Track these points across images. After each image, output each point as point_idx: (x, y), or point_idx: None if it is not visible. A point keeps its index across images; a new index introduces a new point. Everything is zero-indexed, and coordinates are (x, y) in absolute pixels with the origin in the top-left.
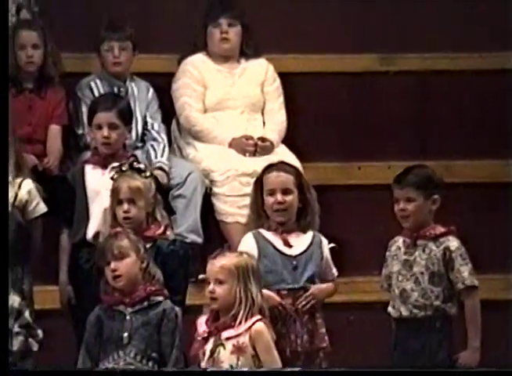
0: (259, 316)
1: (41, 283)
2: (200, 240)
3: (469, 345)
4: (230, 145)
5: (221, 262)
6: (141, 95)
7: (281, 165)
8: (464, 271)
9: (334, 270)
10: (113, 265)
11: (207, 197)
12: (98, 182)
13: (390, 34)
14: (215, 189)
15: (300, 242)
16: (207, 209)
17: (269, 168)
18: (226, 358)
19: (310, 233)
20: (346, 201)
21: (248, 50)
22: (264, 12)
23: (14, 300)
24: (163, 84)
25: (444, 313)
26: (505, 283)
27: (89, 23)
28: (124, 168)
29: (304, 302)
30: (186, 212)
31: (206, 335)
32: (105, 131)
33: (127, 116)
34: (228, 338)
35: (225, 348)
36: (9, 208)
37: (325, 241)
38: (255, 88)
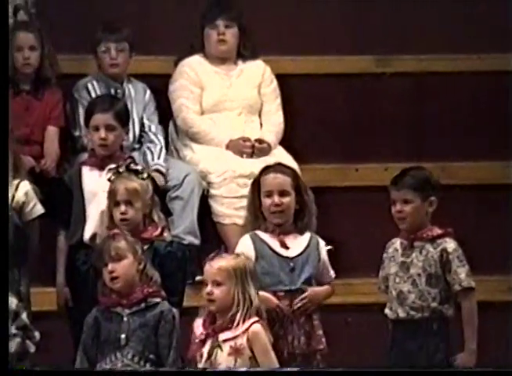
0: (256, 318)
1: (38, 285)
2: (197, 241)
3: (466, 347)
4: (227, 147)
5: (218, 264)
6: (138, 97)
7: (278, 167)
8: (461, 273)
9: (332, 272)
10: (110, 266)
11: (204, 198)
12: (95, 184)
13: (386, 35)
14: (212, 191)
15: (297, 244)
16: (204, 211)
17: (266, 169)
18: (223, 360)
19: (307, 235)
20: (343, 203)
21: (245, 52)
22: (261, 14)
23: (11, 302)
24: (160, 86)
25: (441, 315)
26: (502, 284)
27: (86, 25)
28: (121, 170)
29: (299, 304)
30: (183, 214)
31: (203, 337)
32: (102, 133)
33: (124, 117)
34: (225, 340)
35: (222, 350)
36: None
37: (322, 243)
38: (252, 89)
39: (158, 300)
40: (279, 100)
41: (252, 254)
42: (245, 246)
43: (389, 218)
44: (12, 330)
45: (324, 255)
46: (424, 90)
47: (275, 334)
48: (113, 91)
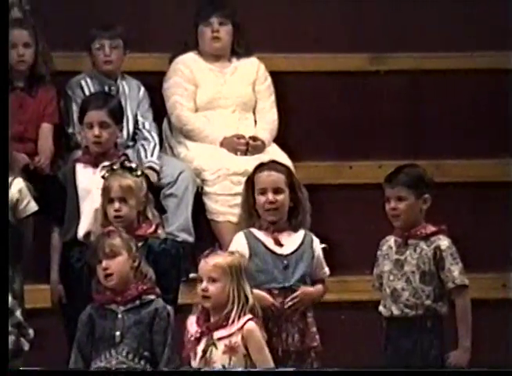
0: (250, 316)
1: (32, 282)
2: (191, 239)
3: (459, 345)
4: (221, 144)
5: (214, 261)
6: (132, 94)
7: (272, 164)
8: (455, 270)
9: (326, 269)
10: (104, 263)
11: (199, 196)
12: (89, 181)
13: (381, 33)
14: (206, 188)
15: (291, 241)
16: (198, 208)
17: (260, 167)
18: (218, 358)
19: (301, 232)
20: (337, 200)
21: (239, 49)
22: (255, 11)
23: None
24: (154, 83)
25: (435, 312)
26: (496, 282)
27: (80, 22)
28: (115, 167)
29: (290, 303)
30: (177, 211)
31: (198, 335)
32: (96, 130)
33: (118, 115)
34: (220, 338)
35: (217, 348)
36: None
37: (316, 240)
38: (246, 87)
39: (153, 297)
40: (273, 98)
41: (246, 251)
42: (239, 243)
43: (383, 216)
44: (8, 323)
45: (318, 252)
46: (419, 88)
47: (270, 331)
48: (106, 88)
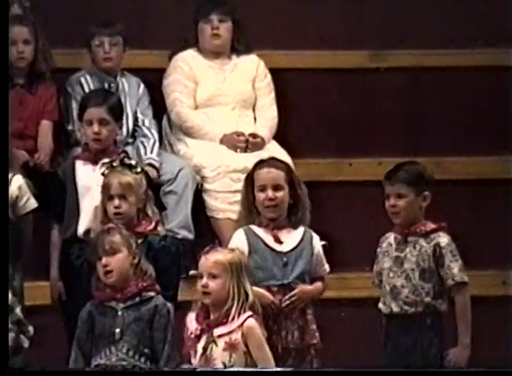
0: (251, 313)
1: (32, 279)
2: (190, 236)
3: (459, 342)
4: (221, 141)
5: (215, 257)
6: (132, 91)
7: (272, 161)
8: (454, 267)
9: (326, 266)
10: (104, 260)
11: (198, 193)
12: (88, 178)
13: (380, 30)
14: (206, 186)
15: (290, 238)
16: (198, 205)
17: (260, 164)
18: (219, 355)
19: (301, 229)
20: (337, 197)
21: (239, 46)
22: (255, 8)
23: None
24: (154, 80)
25: (434, 310)
26: (496, 279)
27: (80, 19)
28: (114, 164)
29: (287, 302)
30: (177, 208)
31: (198, 332)
32: (95, 127)
33: (117, 112)
34: (220, 335)
35: (217, 345)
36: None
37: (316, 237)
38: (246, 84)
39: (153, 294)
40: (272, 95)
41: (245, 248)
42: (239, 240)
43: (383, 213)
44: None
45: (318, 249)
46: (419, 85)
47: (269, 329)
48: (106, 85)
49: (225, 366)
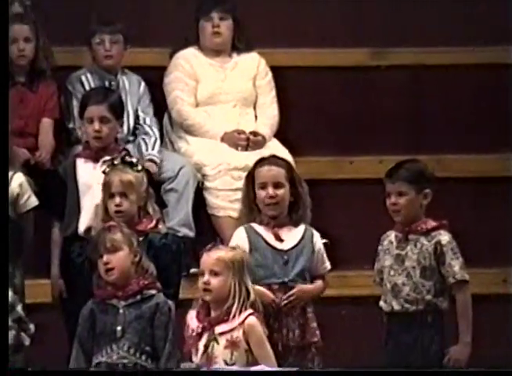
0: (251, 310)
1: (33, 277)
2: (191, 234)
3: (460, 340)
4: (222, 139)
5: (217, 254)
6: (132, 89)
7: (272, 159)
8: (455, 265)
9: (327, 264)
10: (105, 258)
11: (199, 191)
12: (89, 176)
13: (381, 28)
14: (207, 184)
15: (291, 236)
16: (198, 203)
17: (261, 161)
18: (220, 353)
19: (302, 227)
20: (338, 195)
21: (240, 44)
22: (255, 6)
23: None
24: (154, 78)
25: (435, 307)
26: (497, 277)
27: (81, 17)
28: (115, 162)
29: (285, 301)
30: (178, 206)
31: (200, 330)
32: (96, 125)
33: (118, 109)
34: (221, 333)
35: (218, 343)
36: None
37: (317, 235)
38: (247, 82)
39: (154, 292)
40: (273, 93)
41: (246, 246)
42: (239, 238)
43: (384, 211)
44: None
45: (319, 247)
46: (420, 83)
47: (270, 327)
48: (107, 83)
49: (227, 364)
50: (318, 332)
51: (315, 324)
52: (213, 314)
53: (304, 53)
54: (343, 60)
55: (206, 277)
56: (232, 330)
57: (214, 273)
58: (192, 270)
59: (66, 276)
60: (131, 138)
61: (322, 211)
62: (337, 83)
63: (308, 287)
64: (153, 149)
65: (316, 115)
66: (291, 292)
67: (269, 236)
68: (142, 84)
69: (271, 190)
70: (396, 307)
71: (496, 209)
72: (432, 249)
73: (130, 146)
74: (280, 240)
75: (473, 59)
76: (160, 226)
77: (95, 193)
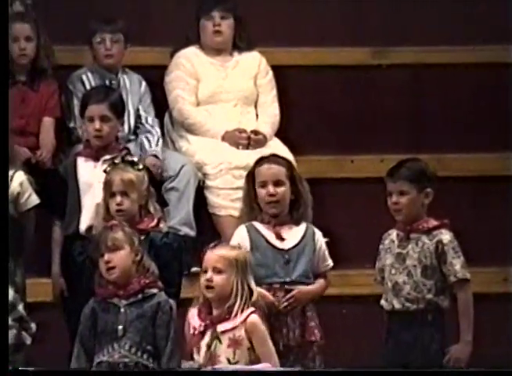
0: (253, 309)
1: (34, 276)
2: (192, 232)
3: (461, 339)
4: (223, 138)
5: (221, 252)
6: (133, 88)
7: (272, 158)
8: (456, 264)
9: (329, 261)
10: (106, 256)
11: (200, 189)
12: (90, 175)
13: (382, 27)
14: (208, 182)
15: (292, 235)
16: (199, 202)
17: (261, 160)
18: (223, 352)
19: (303, 225)
20: (339, 194)
21: (241, 43)
22: (256, 5)
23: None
24: (155, 77)
25: (436, 306)
26: (498, 276)
27: (81, 16)
28: (116, 161)
29: (285, 303)
30: (179, 205)
31: (202, 329)
32: (97, 124)
33: (119, 108)
34: (224, 332)
35: (221, 342)
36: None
37: (318, 233)
38: (248, 81)
39: (155, 291)
40: (274, 92)
41: (247, 244)
42: (240, 237)
43: (385, 210)
44: (9, 321)
45: (321, 245)
46: (421, 82)
47: (270, 326)
48: (107, 82)
49: (230, 363)
50: (317, 331)
51: (313, 323)
52: (215, 312)
53: (305, 52)
54: (344, 59)
55: (209, 274)
56: (234, 328)
57: (218, 271)
58: (194, 269)
59: (68, 275)
60: (131, 137)
61: (324, 210)
62: (338, 82)
63: (308, 288)
64: (156, 145)
65: (317, 114)
66: (290, 295)
67: (270, 235)
68: (143, 83)
69: (271, 188)
70: (397, 306)
71: (496, 208)
72: (433, 248)
73: (131, 145)
74: (281, 239)
75: (473, 59)
76: (161, 225)
77: (96, 191)
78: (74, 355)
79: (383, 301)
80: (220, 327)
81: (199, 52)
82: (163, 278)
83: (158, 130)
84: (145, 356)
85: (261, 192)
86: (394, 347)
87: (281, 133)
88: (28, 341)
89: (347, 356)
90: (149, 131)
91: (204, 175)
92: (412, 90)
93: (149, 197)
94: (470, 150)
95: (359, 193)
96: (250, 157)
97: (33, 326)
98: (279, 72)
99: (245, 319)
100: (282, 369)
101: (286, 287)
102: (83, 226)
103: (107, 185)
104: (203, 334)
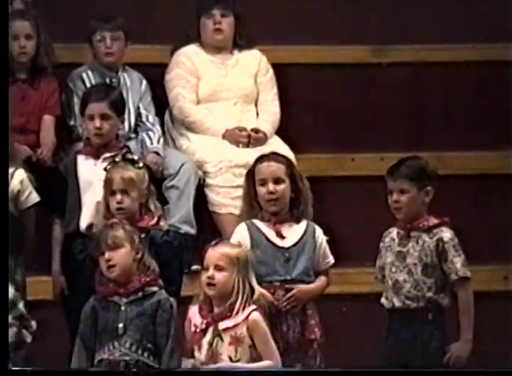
0: (254, 306)
1: (34, 274)
2: (193, 231)
3: (461, 336)
4: (223, 136)
5: (222, 250)
6: (133, 86)
7: (272, 156)
8: (457, 262)
9: (330, 258)
10: (107, 255)
11: (200, 188)
12: (90, 173)
13: (383, 25)
14: (208, 181)
15: (293, 233)
16: (200, 200)
17: (261, 158)
18: (224, 349)
19: (303, 223)
20: (339, 193)
21: (241, 41)
22: (257, 3)
23: (8, 291)
24: (156, 75)
25: (436, 304)
26: (498, 274)
27: (82, 14)
28: (117, 159)
29: (285, 303)
30: (179, 203)
31: (204, 326)
32: (97, 122)
33: (119, 106)
34: (225, 329)
35: (223, 339)
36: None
37: (319, 230)
38: (248, 79)
39: (155, 289)
40: (275, 90)
41: (248, 242)
42: (241, 234)
43: (385, 208)
44: (9, 319)
45: (321, 242)
46: (421, 80)
47: (271, 324)
48: (108, 80)
49: (232, 361)
50: (318, 329)
51: (313, 321)
52: (216, 310)
53: (306, 50)
54: (344, 57)
55: (210, 272)
56: (236, 326)
57: (219, 268)
58: (194, 267)
59: (68, 273)
60: (132, 135)
61: (324, 209)
62: (338, 80)
63: (308, 287)
64: (158, 142)
65: (317, 112)
66: (290, 294)
67: (271, 233)
68: (144, 81)
69: (271, 186)
70: (397, 304)
71: (497, 206)
72: (434, 246)
73: (131, 143)
74: (282, 236)
75: (473, 57)
76: (162, 223)
77: (96, 190)
78: (75, 353)
79: (383, 300)
80: (221, 325)
81: (199, 50)
82: (163, 276)
83: (159, 128)
84: (145, 354)
85: (261, 190)
86: (395, 345)
87: (281, 131)
88: (28, 339)
89: (347, 355)
90: (150, 130)
91: (204, 173)
92: (412, 88)
93: (149, 195)
94: (471, 148)
95: (359, 191)
96: (251, 155)
97: (33, 324)
98: (280, 70)
99: (247, 317)
100: (283, 369)
101: (287, 285)
102: (83, 224)
103: (107, 183)
104: (204, 331)
